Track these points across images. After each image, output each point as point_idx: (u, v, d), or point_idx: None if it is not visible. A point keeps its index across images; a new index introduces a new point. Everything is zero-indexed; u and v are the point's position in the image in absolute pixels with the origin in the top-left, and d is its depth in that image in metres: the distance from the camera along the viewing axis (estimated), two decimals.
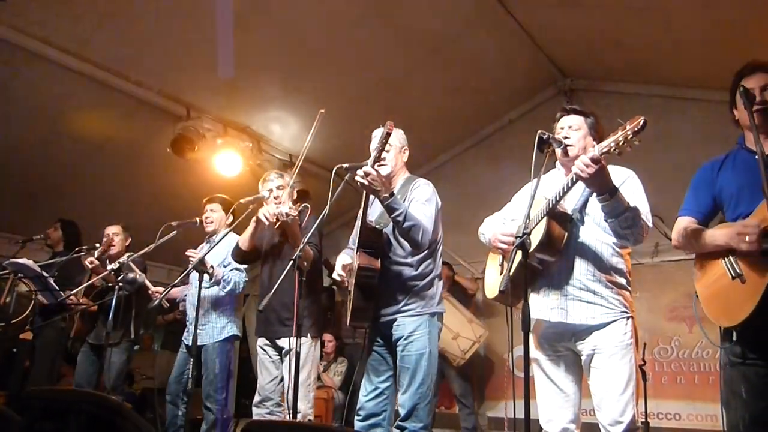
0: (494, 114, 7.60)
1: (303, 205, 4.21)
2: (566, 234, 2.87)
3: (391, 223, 3.33)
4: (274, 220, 3.91)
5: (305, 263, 3.47)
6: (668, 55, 5.93)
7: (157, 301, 4.28)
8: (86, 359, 5.28)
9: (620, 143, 2.51)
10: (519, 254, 2.58)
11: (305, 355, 3.86)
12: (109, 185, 6.58)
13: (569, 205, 2.96)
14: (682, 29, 5.40)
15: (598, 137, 2.96)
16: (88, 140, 6.06)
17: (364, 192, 3.31)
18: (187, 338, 4.69)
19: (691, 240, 2.67)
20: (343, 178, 3.47)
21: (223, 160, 6.22)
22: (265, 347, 4.15)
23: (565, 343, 2.97)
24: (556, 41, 6.40)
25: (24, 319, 5.30)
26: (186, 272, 4.42)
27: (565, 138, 2.99)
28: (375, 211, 3.54)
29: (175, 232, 4.63)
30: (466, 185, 7.30)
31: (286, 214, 3.76)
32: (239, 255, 4.27)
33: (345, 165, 3.39)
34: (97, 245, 5.21)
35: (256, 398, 4.13)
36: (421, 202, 3.39)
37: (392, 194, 3.22)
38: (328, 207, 3.45)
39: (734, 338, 2.51)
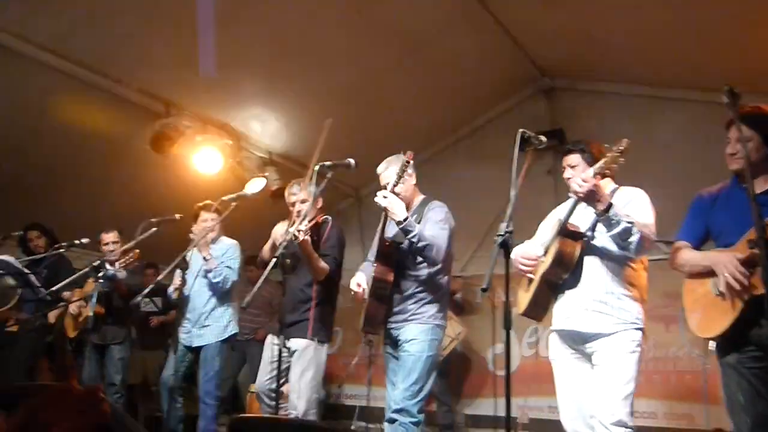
0: (473, 113, 7.65)
1: (324, 217, 4.26)
2: (577, 251, 3.13)
3: (408, 242, 3.59)
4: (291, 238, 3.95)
5: (322, 276, 3.94)
6: (649, 55, 5.99)
7: (139, 297, 4.28)
8: (91, 359, 5.41)
9: (608, 163, 2.97)
10: (540, 270, 3.16)
11: (309, 357, 4.00)
12: (88, 183, 6.51)
13: (583, 225, 3.20)
14: (663, 29, 5.47)
15: (594, 160, 3.18)
16: (67, 138, 5.99)
17: (383, 214, 3.66)
18: (186, 339, 4.89)
19: (687, 261, 2.91)
20: (324, 177, 3.50)
21: (203, 158, 6.19)
22: (273, 345, 4.18)
23: (578, 346, 3.19)
24: (535, 40, 6.45)
25: (5, 312, 5.29)
26: (186, 252, 4.46)
27: (569, 179, 3.25)
28: (393, 228, 3.74)
29: (155, 228, 4.62)
30: (445, 185, 7.21)
31: (294, 236, 3.78)
32: (265, 265, 4.28)
33: (327, 163, 3.48)
34: (77, 242, 5.19)
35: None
36: (435, 221, 3.66)
37: (406, 218, 3.50)
38: (310, 205, 3.56)
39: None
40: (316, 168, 3.52)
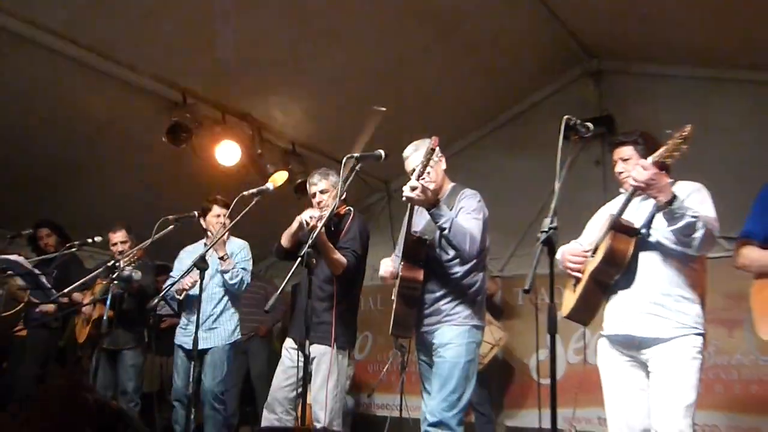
0: (514, 98, 7.59)
1: (347, 208, 4.28)
2: (631, 248, 3.09)
3: (438, 233, 3.53)
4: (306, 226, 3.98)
5: (339, 270, 3.90)
6: (709, 32, 5.83)
7: (156, 300, 4.33)
8: (103, 366, 5.46)
9: (669, 151, 2.88)
10: (589, 268, 3.11)
11: (328, 365, 3.98)
12: (100, 177, 6.63)
13: (638, 221, 3.17)
14: (724, 2, 5.31)
15: (648, 153, 3.12)
16: (79, 129, 6.10)
17: (408, 207, 3.57)
18: (189, 342, 4.78)
19: (754, 260, 2.93)
20: (352, 169, 3.51)
21: (222, 150, 6.25)
22: (290, 349, 4.21)
23: (632, 352, 3.17)
24: (581, 17, 6.35)
25: (14, 315, 5.40)
26: (204, 252, 4.48)
27: (621, 173, 3.25)
28: (420, 221, 3.73)
29: (172, 226, 4.67)
30: (482, 177, 7.21)
31: (306, 222, 3.79)
32: (281, 252, 4.35)
33: (355, 155, 3.49)
34: (90, 240, 5.28)
35: (268, 401, 4.24)
36: (468, 210, 3.60)
37: (437, 203, 3.43)
38: (337, 200, 3.58)
39: None
40: (343, 160, 3.51)
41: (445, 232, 3.43)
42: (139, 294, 5.45)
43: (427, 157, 3.38)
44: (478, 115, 7.71)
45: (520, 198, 6.93)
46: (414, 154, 3.72)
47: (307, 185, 4.36)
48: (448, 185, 3.83)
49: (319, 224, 3.69)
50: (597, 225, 3.40)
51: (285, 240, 4.26)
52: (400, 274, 3.61)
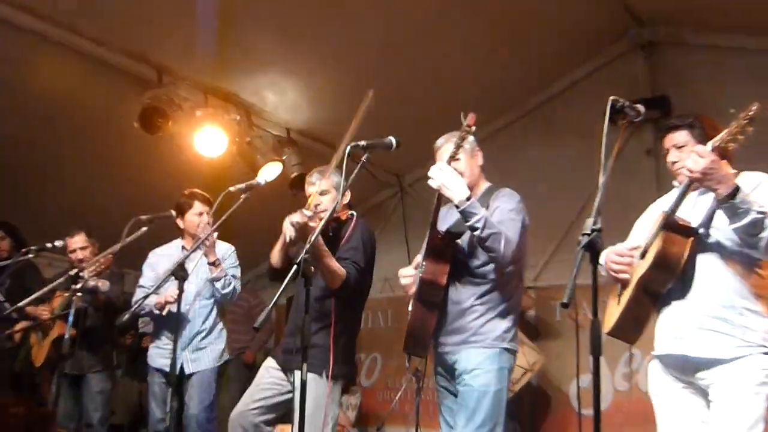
0: (549, 76, 7.60)
1: (349, 213, 4.25)
2: (686, 251, 3.06)
3: (468, 234, 3.52)
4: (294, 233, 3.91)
5: (336, 283, 3.81)
6: None
7: (127, 315, 4.34)
8: (65, 394, 5.49)
9: (733, 134, 2.83)
10: (637, 274, 3.03)
11: (318, 395, 3.82)
12: (60, 169, 6.67)
13: (695, 219, 3.14)
14: None
15: (707, 139, 3.09)
16: (33, 112, 6.14)
17: (437, 196, 3.54)
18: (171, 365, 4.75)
19: None
20: (359, 161, 3.50)
21: (205, 137, 6.27)
22: (271, 369, 4.18)
23: (689, 377, 3.14)
24: None
25: None
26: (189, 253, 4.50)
27: (674, 163, 3.22)
28: (448, 220, 3.74)
29: (145, 228, 4.69)
30: (511, 170, 7.19)
31: (296, 222, 3.76)
32: (273, 274, 4.32)
33: (362, 143, 3.46)
34: (49, 245, 5.30)
35: (230, 424, 4.20)
36: (506, 210, 3.59)
37: (469, 197, 3.41)
38: (340, 197, 3.56)
39: None
40: (347, 149, 3.46)
41: (478, 232, 3.40)
42: (105, 308, 5.47)
43: (462, 135, 3.36)
44: (505, 97, 7.70)
45: (556, 195, 6.92)
46: (446, 144, 3.72)
47: (305, 184, 4.34)
48: (484, 184, 3.83)
49: (313, 223, 3.67)
50: (647, 225, 3.39)
51: (274, 258, 4.20)
52: (420, 276, 3.60)
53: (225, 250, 5.22)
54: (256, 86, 6.73)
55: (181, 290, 4.11)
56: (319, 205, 4.05)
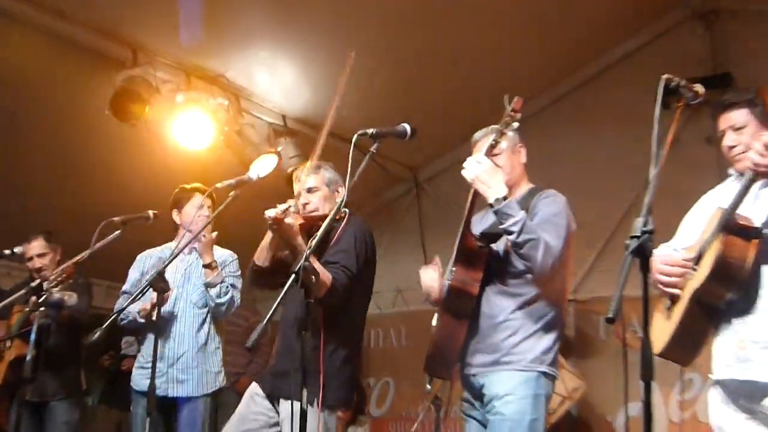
0: (590, 52, 7.59)
1: (342, 210, 4.18)
2: (750, 256, 3.00)
3: (504, 238, 3.53)
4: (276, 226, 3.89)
5: (320, 290, 3.62)
6: None
7: (99, 332, 4.30)
8: (26, 424, 5.43)
9: None
10: (691, 286, 2.99)
11: (309, 430, 3.61)
12: (19, 163, 6.68)
13: (758, 217, 3.08)
14: None
15: None
16: None
17: (471, 191, 3.56)
18: (157, 387, 4.60)
19: None
20: (367, 153, 3.48)
21: (187, 126, 6.27)
22: (256, 396, 4.16)
23: (755, 405, 3.09)
24: None
25: None
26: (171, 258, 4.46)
27: (732, 148, 3.20)
28: (483, 222, 3.75)
29: (119, 231, 4.68)
30: (544, 161, 7.13)
31: (273, 217, 3.72)
32: (257, 276, 4.23)
33: (370, 131, 3.45)
34: (6, 252, 5.31)
35: None
36: (548, 214, 3.59)
37: (505, 197, 3.43)
38: (345, 193, 3.54)
39: None
40: (353, 139, 3.46)
41: (513, 236, 3.41)
42: (70, 324, 5.46)
43: (506, 122, 3.38)
44: (537, 77, 7.68)
45: (599, 191, 6.91)
46: (483, 138, 3.74)
47: (293, 180, 4.34)
48: (525, 186, 3.85)
49: (290, 220, 3.66)
50: (698, 222, 3.34)
51: (260, 256, 4.13)
52: (450, 284, 3.62)
53: (226, 256, 5.19)
54: (247, 66, 6.74)
55: (160, 304, 4.06)
56: (307, 204, 4.08)
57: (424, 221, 7.98)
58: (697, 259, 3.15)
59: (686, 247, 3.31)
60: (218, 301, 4.93)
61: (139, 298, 4.32)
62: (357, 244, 4.03)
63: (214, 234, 4.90)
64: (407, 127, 3.51)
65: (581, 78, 7.78)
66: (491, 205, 3.43)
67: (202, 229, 4.67)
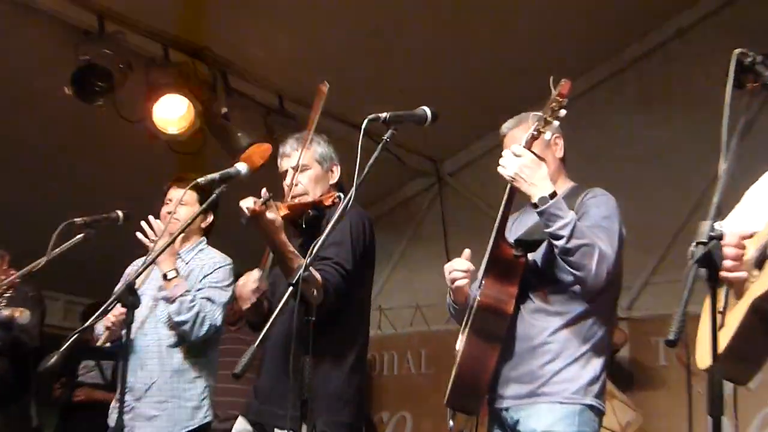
0: (646, 22, 7.60)
1: (336, 195, 4.12)
2: None
3: (544, 246, 3.54)
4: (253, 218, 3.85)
5: (314, 293, 3.50)
6: None
7: (56, 356, 4.31)
8: None
9: None
10: (752, 293, 2.80)
11: None
12: None
13: None
14: None
15: None
16: None
17: (508, 189, 3.56)
18: (124, 423, 4.37)
19: None
20: (381, 141, 3.50)
21: (164, 108, 6.30)
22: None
23: None
24: None
25: None
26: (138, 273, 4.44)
27: None
28: (518, 228, 3.76)
29: (82, 234, 4.70)
30: (590, 152, 7.22)
31: (251, 209, 3.68)
32: (253, 324, 4.26)
33: (383, 115, 3.45)
34: None
35: None
36: (598, 217, 3.60)
37: (554, 194, 3.41)
38: (354, 187, 3.51)
39: None
40: (364, 124, 3.45)
41: (562, 242, 3.39)
42: (15, 349, 5.47)
43: (553, 107, 3.35)
44: (584, 53, 7.70)
45: (657, 189, 6.92)
46: (516, 129, 3.77)
47: (278, 157, 4.30)
48: (565, 184, 3.84)
49: (272, 214, 3.61)
50: (762, 203, 3.29)
51: (243, 303, 4.09)
52: (478, 299, 3.58)
53: (214, 262, 5.05)
54: (236, 37, 6.76)
55: (129, 321, 4.04)
56: (295, 186, 4.06)
57: (448, 223, 7.99)
58: (761, 261, 2.93)
59: (746, 232, 3.08)
60: (177, 319, 4.73)
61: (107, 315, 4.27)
62: (353, 237, 3.98)
63: (181, 236, 4.80)
64: (427, 110, 3.49)
65: (634, 54, 7.81)
66: (535, 205, 3.41)
67: (180, 231, 4.41)
